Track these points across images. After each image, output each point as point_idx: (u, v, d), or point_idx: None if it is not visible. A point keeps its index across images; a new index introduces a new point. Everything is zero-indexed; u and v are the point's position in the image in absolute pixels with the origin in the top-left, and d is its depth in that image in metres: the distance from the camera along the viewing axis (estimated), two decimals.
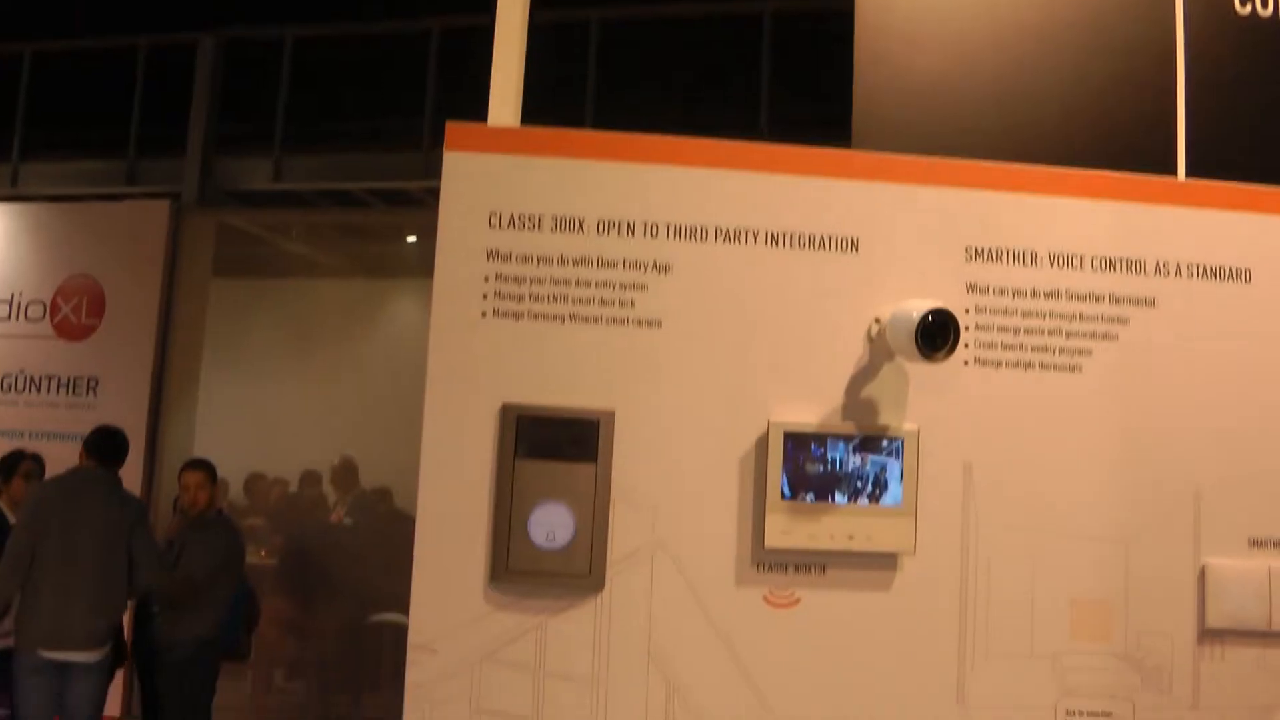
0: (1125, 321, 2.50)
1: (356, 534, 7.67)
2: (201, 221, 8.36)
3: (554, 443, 2.30)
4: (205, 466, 5.44)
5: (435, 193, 2.37)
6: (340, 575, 7.35)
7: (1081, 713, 2.41)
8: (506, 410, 2.31)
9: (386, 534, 7.23)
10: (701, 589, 2.31)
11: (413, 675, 2.27)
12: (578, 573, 2.28)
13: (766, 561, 2.33)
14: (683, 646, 2.30)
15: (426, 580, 2.28)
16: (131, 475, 6.05)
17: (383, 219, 9.76)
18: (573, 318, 2.36)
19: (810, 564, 2.35)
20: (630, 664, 2.29)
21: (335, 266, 9.61)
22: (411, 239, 9.17)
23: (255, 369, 9.09)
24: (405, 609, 2.28)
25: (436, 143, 2.16)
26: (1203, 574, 2.46)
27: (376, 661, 7.03)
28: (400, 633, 2.28)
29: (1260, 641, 2.47)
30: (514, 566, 2.28)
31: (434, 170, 2.40)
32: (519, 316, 2.35)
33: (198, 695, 5.32)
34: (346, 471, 7.97)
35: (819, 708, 2.33)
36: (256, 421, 8.71)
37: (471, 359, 2.33)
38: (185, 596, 5.19)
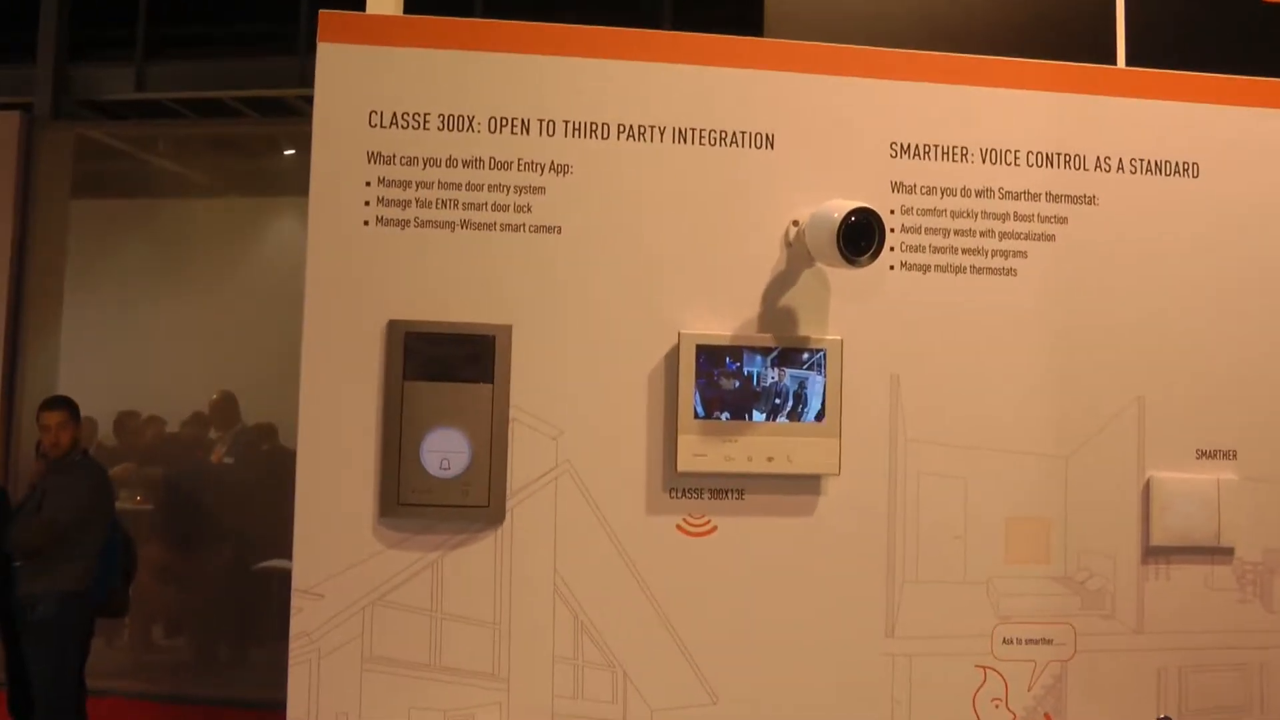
0: (1063, 220, 2.50)
1: (239, 475, 7.56)
2: (57, 135, 8.09)
3: (446, 362, 2.25)
4: (66, 404, 5.31)
5: (313, 100, 2.29)
6: (222, 520, 7.25)
7: (1019, 640, 2.43)
8: (393, 328, 2.25)
9: (271, 474, 7.14)
10: (610, 518, 2.29)
11: (298, 623, 2.22)
12: (475, 504, 2.24)
13: (679, 487, 2.31)
14: (591, 581, 2.28)
15: (310, 518, 2.23)
16: None
17: (257, 130, 9.52)
18: (463, 225, 2.29)
19: (727, 488, 2.33)
20: (535, 602, 2.26)
21: (207, 184, 9.37)
22: (289, 152, 8.96)
23: (123, 298, 8.86)
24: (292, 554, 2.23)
25: (313, 46, 2.07)
26: (1147, 488, 2.49)
27: (264, 612, 6.97)
28: (288, 580, 2.23)
29: (1208, 559, 2.51)
30: (405, 499, 2.23)
31: (311, 77, 2.31)
32: (404, 225, 2.28)
33: (67, 656, 5.22)
34: (226, 407, 7.84)
35: (738, 642, 2.32)
36: (126, 355, 8.51)
37: (353, 272, 2.26)
38: (47, 546, 5.08)
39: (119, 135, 8.88)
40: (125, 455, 8.04)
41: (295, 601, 2.21)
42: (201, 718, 6.62)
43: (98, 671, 5.74)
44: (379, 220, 2.28)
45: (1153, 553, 2.49)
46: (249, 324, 8.18)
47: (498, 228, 2.30)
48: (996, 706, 2.41)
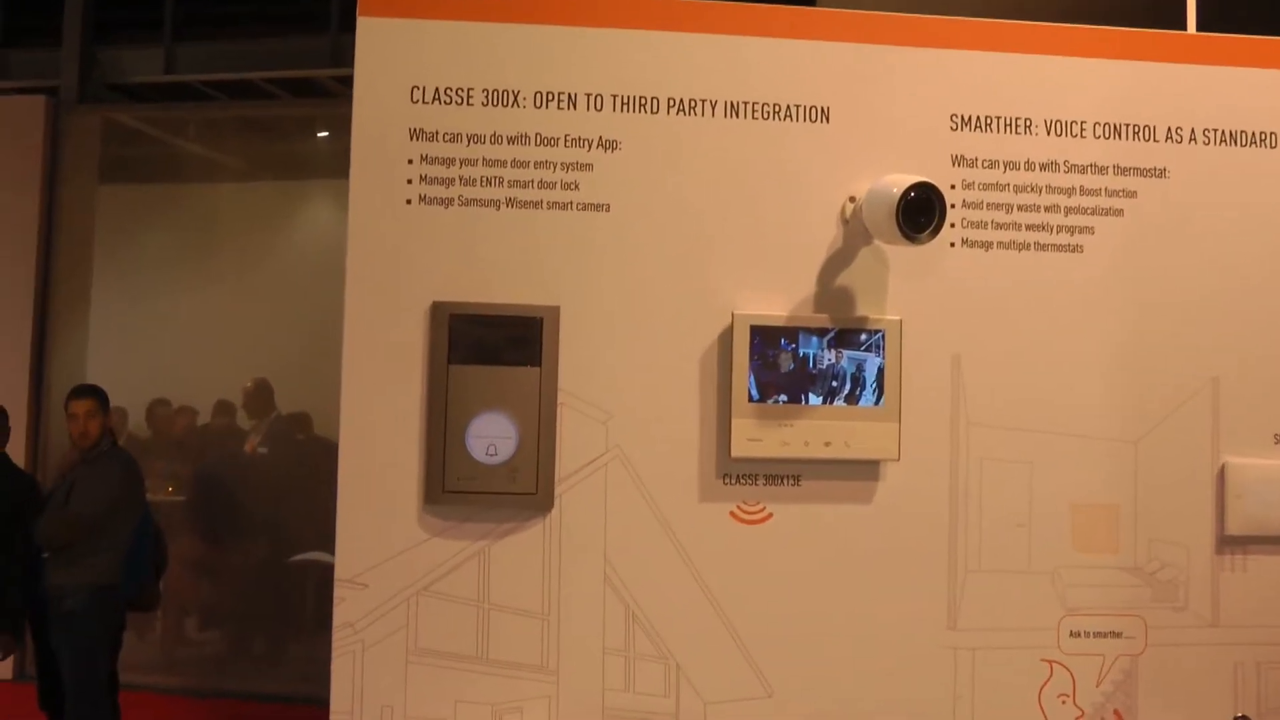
0: (1132, 195, 2.48)
1: (273, 465, 7.60)
2: (84, 120, 8.15)
3: (492, 345, 2.26)
4: (94, 393, 5.34)
5: (347, 81, 2.30)
6: (257, 511, 7.29)
7: (1087, 633, 2.42)
8: (437, 309, 2.25)
9: (307, 464, 7.16)
10: (662, 505, 2.29)
11: (341, 613, 2.24)
12: (523, 491, 2.25)
13: (734, 473, 2.31)
14: (642, 570, 2.28)
15: (353, 506, 2.24)
16: (16, 407, 5.94)
17: (289, 112, 9.56)
18: (509, 203, 2.30)
19: (782, 475, 2.33)
20: (584, 591, 2.27)
21: (238, 168, 9.41)
22: (323, 134, 8.99)
23: (153, 285, 8.92)
24: (330, 547, 2.26)
25: (347, 25, 2.08)
26: (1222, 474, 2.47)
27: (300, 606, 7.01)
28: (326, 572, 2.25)
29: None
30: (451, 486, 2.24)
31: (345, 56, 2.32)
32: (448, 203, 2.29)
33: (97, 649, 5.26)
34: (260, 396, 7.87)
35: (793, 634, 2.32)
36: (157, 344, 8.57)
37: (396, 252, 2.28)
38: (76, 538, 5.12)
39: (147, 119, 8.93)
40: (157, 446, 8.12)
41: (338, 591, 2.23)
42: (236, 713, 6.67)
43: (130, 666, 5.79)
44: (422, 199, 2.29)
45: (1228, 542, 2.46)
46: (282, 311, 8.22)
47: (544, 206, 2.31)
48: (1063, 702, 2.40)
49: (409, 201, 2.28)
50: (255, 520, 7.38)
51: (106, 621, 5.30)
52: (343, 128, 2.30)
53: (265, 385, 7.99)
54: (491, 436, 2.24)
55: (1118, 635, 2.42)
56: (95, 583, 5.19)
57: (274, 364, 8.08)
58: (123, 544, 5.31)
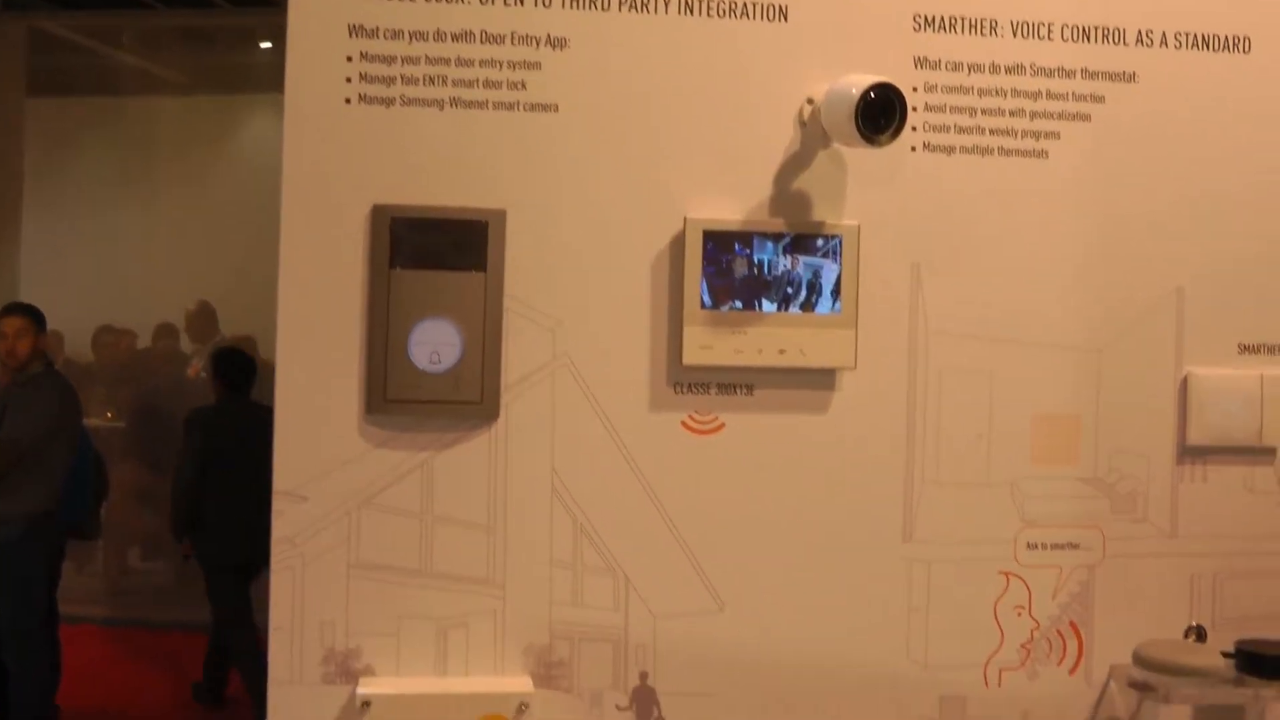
0: (1100, 100, 2.49)
1: None
2: (8, 28, 8.02)
3: (435, 249, 2.26)
4: (25, 311, 5.31)
5: None
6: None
7: (1044, 545, 2.47)
8: (378, 213, 2.25)
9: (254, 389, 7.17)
10: (611, 415, 2.31)
11: (280, 527, 2.25)
12: (467, 400, 2.26)
13: (685, 381, 2.33)
14: (591, 481, 2.31)
15: (290, 416, 2.25)
16: None
17: (230, 22, 9.43)
18: (453, 103, 2.29)
19: (735, 383, 2.35)
20: (531, 503, 2.30)
21: (177, 81, 9.31)
22: (266, 45, 8.90)
23: (88, 204, 8.85)
24: None
25: None
26: (1184, 385, 2.51)
27: None
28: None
29: (1248, 459, 2.54)
30: (393, 395, 2.25)
31: None
32: (389, 103, 2.28)
33: (34, 580, 5.27)
34: (203, 319, 7.86)
35: (746, 546, 2.36)
36: (94, 265, 8.53)
37: (335, 154, 2.27)
38: (9, 465, 5.11)
39: (78, 27, 8.81)
40: (96, 370, 8.08)
41: (277, 504, 2.24)
42: (181, 645, 6.69)
43: (70, 598, 5.80)
44: (361, 98, 2.28)
45: (1189, 453, 2.51)
46: (225, 231, 8.17)
47: (490, 106, 2.30)
48: (1019, 615, 2.46)
49: (348, 101, 2.27)
50: None
51: (44, 551, 5.31)
52: (286, 37, 2.28)
53: (208, 308, 7.96)
54: (435, 344, 2.25)
55: (1075, 547, 2.47)
56: (31, 511, 5.19)
57: (217, 286, 8.04)
58: (59, 471, 5.30)
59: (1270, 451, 2.53)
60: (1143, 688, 2.38)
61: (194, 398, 6.84)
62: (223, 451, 5.55)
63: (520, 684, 2.27)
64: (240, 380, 5.87)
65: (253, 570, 5.45)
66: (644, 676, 2.34)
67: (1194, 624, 2.51)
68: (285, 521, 2.25)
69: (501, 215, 2.28)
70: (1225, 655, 2.40)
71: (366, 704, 2.18)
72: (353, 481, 2.26)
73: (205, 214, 8.54)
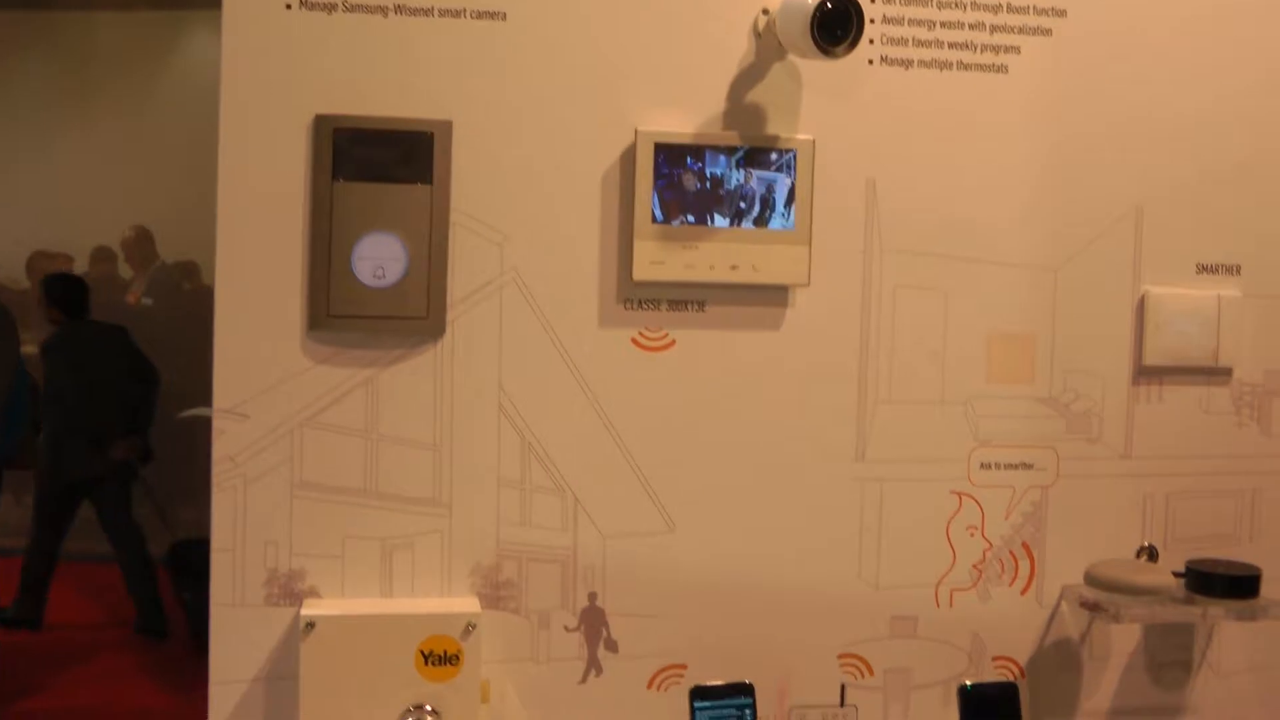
0: (1062, 13, 2.51)
1: (159, 316, 7.56)
2: None
3: (379, 161, 2.26)
4: None
5: None
6: None
7: (998, 465, 2.51)
8: (320, 123, 2.25)
9: (194, 315, 7.14)
10: (560, 331, 2.33)
11: (220, 446, 2.26)
12: (412, 315, 2.27)
13: (636, 298, 2.35)
14: (540, 399, 2.33)
15: (231, 332, 2.26)
16: None
17: None
18: (397, 9, 2.28)
19: (687, 300, 2.37)
20: (478, 421, 2.31)
21: None
22: None
23: (20, 125, 8.75)
24: None
25: None
26: (1141, 305, 2.55)
27: (189, 465, 7.03)
28: None
29: (1204, 380, 2.59)
30: (336, 311, 2.26)
31: None
32: (331, 9, 2.27)
33: None
34: (142, 244, 7.81)
35: (697, 465, 2.39)
36: (26, 187, 8.44)
37: (275, 63, 2.25)
38: None
39: None
40: (32, 298, 8.03)
41: (217, 423, 2.25)
42: (121, 577, 6.71)
43: (7, 529, 5.81)
44: (303, 4, 2.26)
45: (1145, 373, 2.56)
46: (165, 152, 8.09)
47: (435, 13, 2.29)
48: (972, 535, 2.50)
49: (288, 7, 2.26)
50: None
51: None
52: None
53: (146, 233, 7.91)
54: (379, 258, 2.26)
55: (1029, 467, 2.52)
56: None
57: (156, 210, 7.98)
58: None
59: (1226, 372, 2.59)
60: (1093, 607, 2.44)
61: (135, 324, 6.83)
62: (69, 372, 5.61)
63: (467, 605, 2.29)
64: (73, 304, 5.89)
65: (88, 489, 5.50)
66: (593, 597, 2.37)
67: (1146, 544, 2.56)
68: (226, 440, 2.26)
69: (447, 127, 2.28)
70: (1176, 575, 2.46)
71: (310, 625, 2.20)
72: (295, 399, 2.27)
73: (144, 135, 8.46)
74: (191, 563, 6.22)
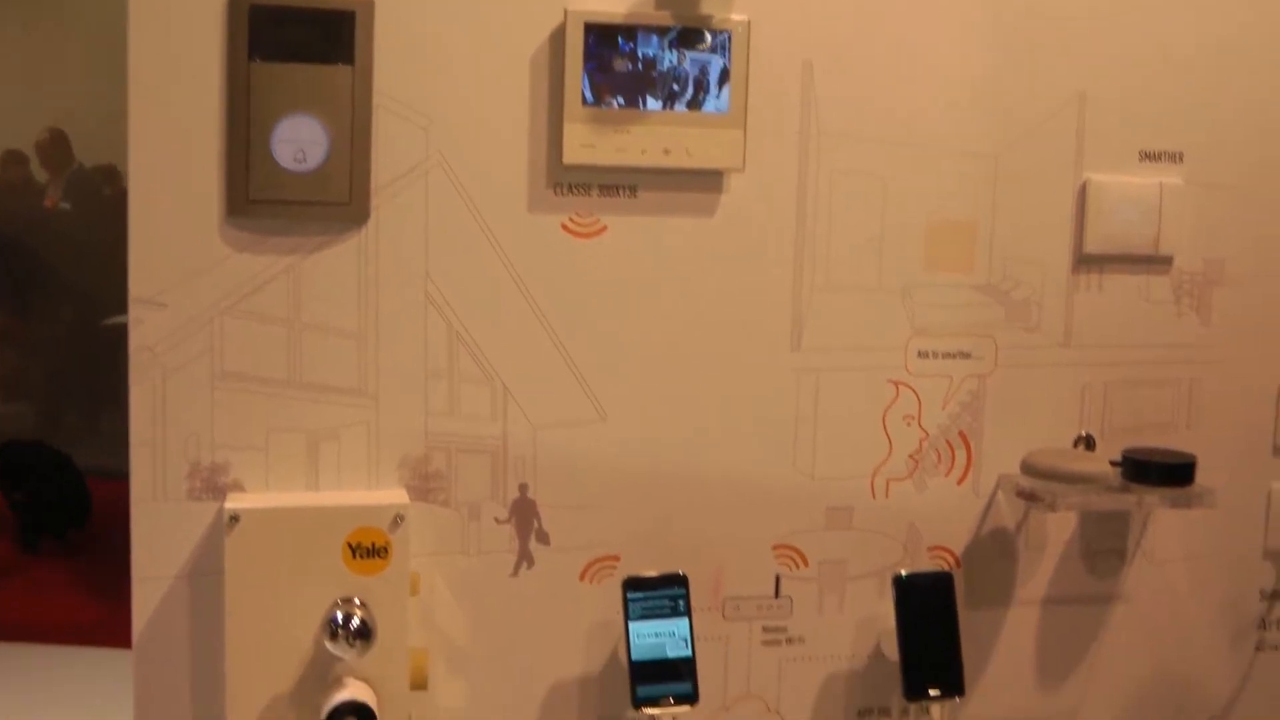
0: None
1: (77, 222, 7.47)
2: None
3: (298, 41, 2.23)
4: None
5: None
6: (61, 273, 7.18)
7: (935, 354, 2.54)
8: (235, 1, 2.22)
9: (115, 220, 7.08)
10: (488, 217, 2.32)
11: (137, 336, 2.25)
12: (335, 200, 2.26)
13: (566, 182, 2.35)
14: (467, 287, 2.33)
15: (146, 218, 2.24)
16: None
17: None
18: None
19: (618, 184, 2.37)
20: (404, 309, 2.31)
21: None
22: None
23: None
24: None
25: None
26: (1083, 191, 2.57)
27: (114, 373, 7.00)
28: None
29: (1145, 268, 2.62)
30: (256, 196, 2.24)
31: None
32: None
33: None
34: (57, 146, 7.71)
35: (628, 354, 2.40)
36: None
37: None
38: None
39: None
40: None
41: (133, 312, 2.24)
42: None
43: None
44: None
45: (1085, 261, 2.59)
46: (81, 51, 7.97)
47: None
48: (908, 424, 2.53)
49: None
50: (60, 282, 7.28)
51: None
52: None
53: (61, 135, 7.81)
54: (299, 141, 2.24)
55: (967, 356, 2.55)
56: None
57: (73, 112, 7.87)
58: None
59: (1167, 261, 2.62)
60: (1029, 497, 2.49)
61: (53, 231, 6.76)
62: None
63: (395, 496, 2.30)
64: None
65: None
66: (524, 489, 2.39)
67: (1083, 434, 2.61)
68: (143, 330, 2.25)
69: (370, 5, 2.25)
70: (1113, 464, 2.51)
71: (235, 519, 2.20)
72: (214, 288, 2.25)
73: (58, 33, 8.32)
74: (16, 464, 6.24)
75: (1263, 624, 2.80)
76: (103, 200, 7.76)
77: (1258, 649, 2.80)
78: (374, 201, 2.28)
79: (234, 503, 2.23)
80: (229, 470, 2.29)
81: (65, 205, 7.52)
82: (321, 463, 2.32)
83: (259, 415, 2.29)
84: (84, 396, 7.10)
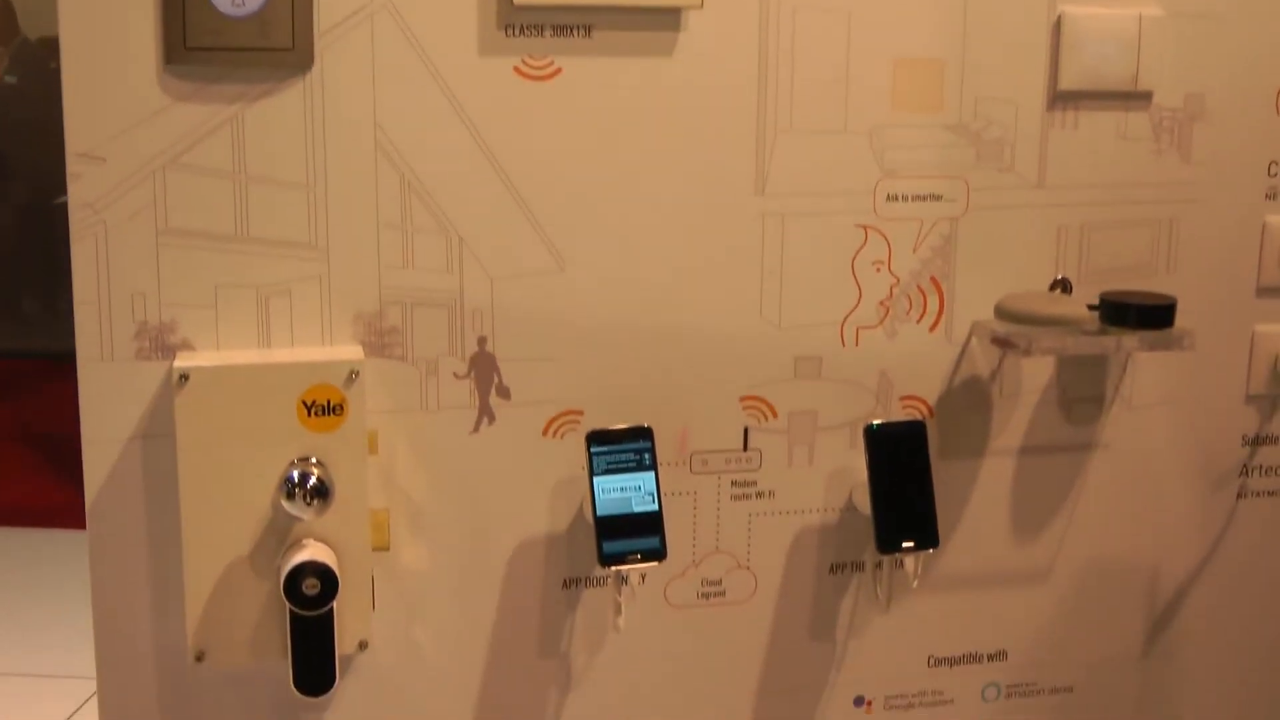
0: None
1: (24, 97, 7.42)
2: None
3: None
4: None
5: None
6: (10, 151, 7.14)
7: (905, 197, 2.55)
8: None
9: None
10: (437, 61, 2.32)
11: (77, 192, 2.25)
12: (277, 46, 2.25)
13: (517, 23, 2.34)
14: (418, 134, 2.33)
15: (80, 70, 2.24)
16: None
17: None
18: None
19: (572, 25, 2.36)
20: (353, 160, 2.32)
21: None
22: None
23: None
24: None
25: None
26: (1058, 25, 2.57)
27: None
28: None
29: (1122, 105, 2.62)
30: (195, 43, 2.23)
31: None
32: None
33: None
34: (1, 17, 7.63)
35: (586, 202, 2.42)
36: None
37: None
38: None
39: None
40: None
41: (72, 168, 2.24)
42: (8, 374, 6.72)
43: None
44: None
45: (1061, 98, 2.59)
46: None
47: None
48: (878, 270, 2.55)
49: None
50: (9, 161, 7.24)
51: None
52: None
53: (5, 5, 7.73)
54: None
55: (938, 198, 2.56)
56: None
57: None
58: None
59: (1145, 97, 2.63)
60: (1004, 343, 2.51)
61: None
62: None
63: (350, 353, 2.33)
64: None
65: None
66: (482, 342, 2.42)
67: (1059, 277, 2.63)
68: (83, 185, 2.25)
69: None
70: (1090, 308, 2.53)
71: (184, 378, 2.22)
72: (155, 140, 2.25)
73: None
74: None
75: (1244, 470, 2.84)
76: (50, 74, 7.68)
77: (1239, 496, 2.85)
78: (318, 46, 2.27)
79: (183, 361, 2.26)
80: (177, 329, 2.31)
81: (11, 80, 7.46)
82: (273, 320, 2.34)
83: (207, 272, 2.31)
84: (39, 278, 7.08)
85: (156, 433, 2.31)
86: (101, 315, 2.28)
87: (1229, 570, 2.88)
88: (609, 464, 2.39)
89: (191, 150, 2.27)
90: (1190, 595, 2.87)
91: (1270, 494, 2.86)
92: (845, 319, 2.56)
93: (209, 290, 2.31)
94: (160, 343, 2.30)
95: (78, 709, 4.98)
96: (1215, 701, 2.95)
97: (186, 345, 2.31)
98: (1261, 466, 2.84)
